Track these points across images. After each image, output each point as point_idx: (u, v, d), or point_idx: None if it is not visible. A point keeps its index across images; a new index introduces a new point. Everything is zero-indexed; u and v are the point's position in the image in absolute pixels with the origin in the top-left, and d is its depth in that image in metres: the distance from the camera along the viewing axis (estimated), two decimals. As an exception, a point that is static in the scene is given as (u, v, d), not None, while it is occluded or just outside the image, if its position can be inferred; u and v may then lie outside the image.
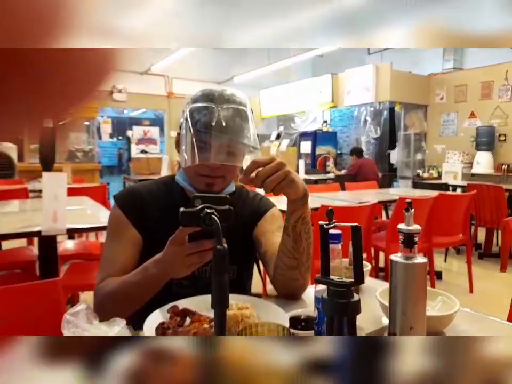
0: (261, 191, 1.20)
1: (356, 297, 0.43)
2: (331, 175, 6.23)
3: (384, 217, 4.61)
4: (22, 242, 3.53)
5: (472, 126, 6.53)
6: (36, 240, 2.99)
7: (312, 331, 0.73)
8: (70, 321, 0.63)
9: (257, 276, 1.21)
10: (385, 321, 0.73)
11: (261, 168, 0.81)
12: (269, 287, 1.13)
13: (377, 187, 4.50)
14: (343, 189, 4.14)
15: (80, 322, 0.65)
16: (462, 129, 6.75)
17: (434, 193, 3.09)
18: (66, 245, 2.91)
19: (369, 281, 1.12)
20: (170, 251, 0.79)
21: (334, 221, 0.47)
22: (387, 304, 0.73)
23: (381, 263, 3.23)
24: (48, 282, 0.97)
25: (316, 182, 5.61)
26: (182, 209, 0.69)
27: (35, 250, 2.66)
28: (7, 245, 3.65)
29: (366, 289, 1.05)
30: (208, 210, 0.66)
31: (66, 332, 0.62)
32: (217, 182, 0.98)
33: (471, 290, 3.12)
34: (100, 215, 2.40)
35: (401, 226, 0.70)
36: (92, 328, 0.66)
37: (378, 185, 4.70)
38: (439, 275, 3.47)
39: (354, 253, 0.44)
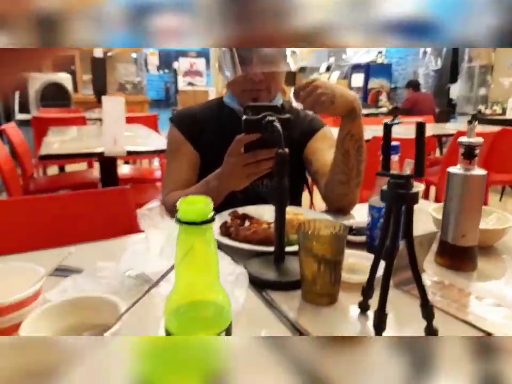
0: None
1: (414, 189, 0.46)
2: (383, 110, 5.95)
3: (438, 155, 4.42)
4: (82, 167, 3.80)
5: (549, 56, 5.85)
6: (96, 165, 3.21)
7: (364, 237, 0.77)
8: (146, 214, 0.71)
9: (306, 196, 1.25)
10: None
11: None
12: (317, 207, 1.17)
13: (433, 122, 4.27)
14: (395, 123, 3.96)
15: (154, 216, 0.72)
16: (536, 60, 6.06)
17: (495, 129, 2.89)
18: (123, 170, 3.11)
19: (421, 202, 1.12)
20: (228, 163, 0.83)
21: (398, 118, 0.48)
22: (440, 217, 0.74)
23: (431, 198, 3.16)
24: (121, 189, 1.07)
25: (367, 116, 5.40)
26: (244, 117, 0.72)
27: (95, 173, 2.86)
28: (69, 169, 3.95)
29: (418, 211, 1.05)
30: (270, 118, 0.69)
31: (143, 222, 0.71)
32: (263, 95, 1.01)
33: (524, 230, 3.02)
34: (155, 141, 2.50)
35: (462, 139, 0.70)
36: (163, 222, 0.74)
37: (434, 121, 4.46)
38: (491, 214, 3.36)
39: (417, 148, 0.46)
